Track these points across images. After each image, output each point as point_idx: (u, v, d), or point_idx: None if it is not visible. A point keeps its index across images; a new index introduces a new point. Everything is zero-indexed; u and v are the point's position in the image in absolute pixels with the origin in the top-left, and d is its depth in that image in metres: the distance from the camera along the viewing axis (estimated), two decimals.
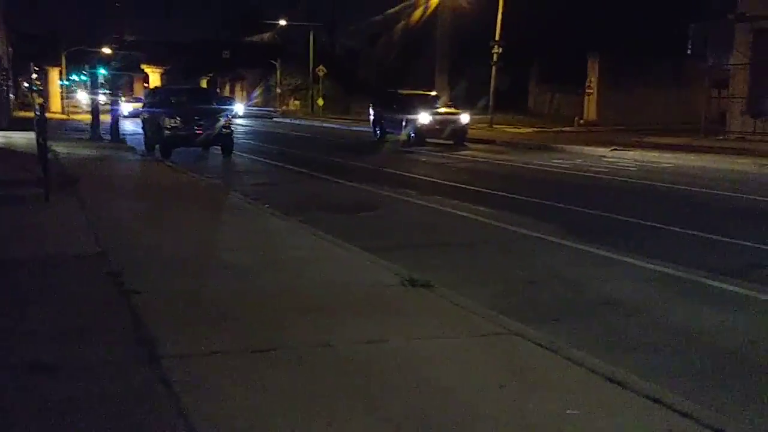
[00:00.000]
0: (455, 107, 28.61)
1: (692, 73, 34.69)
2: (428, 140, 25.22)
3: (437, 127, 25.49)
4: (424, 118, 25.31)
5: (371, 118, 29.41)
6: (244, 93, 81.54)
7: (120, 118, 24.78)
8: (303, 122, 46.32)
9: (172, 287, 5.75)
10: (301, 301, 5.39)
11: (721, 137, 27.18)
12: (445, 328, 4.85)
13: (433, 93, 31.79)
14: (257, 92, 68.39)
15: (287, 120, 49.39)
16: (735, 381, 4.48)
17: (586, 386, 3.94)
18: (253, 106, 48.06)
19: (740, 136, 27.13)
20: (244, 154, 21.34)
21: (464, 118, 26.47)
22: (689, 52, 43.80)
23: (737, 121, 28.12)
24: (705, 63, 30.23)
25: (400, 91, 29.92)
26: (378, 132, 28.41)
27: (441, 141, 25.56)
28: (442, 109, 27.02)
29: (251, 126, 40.39)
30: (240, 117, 45.29)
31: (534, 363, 4.28)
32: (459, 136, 25.81)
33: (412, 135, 25.37)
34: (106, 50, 34.78)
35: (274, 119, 51.38)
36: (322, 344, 4.43)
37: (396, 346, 4.49)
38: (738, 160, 19.50)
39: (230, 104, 26.33)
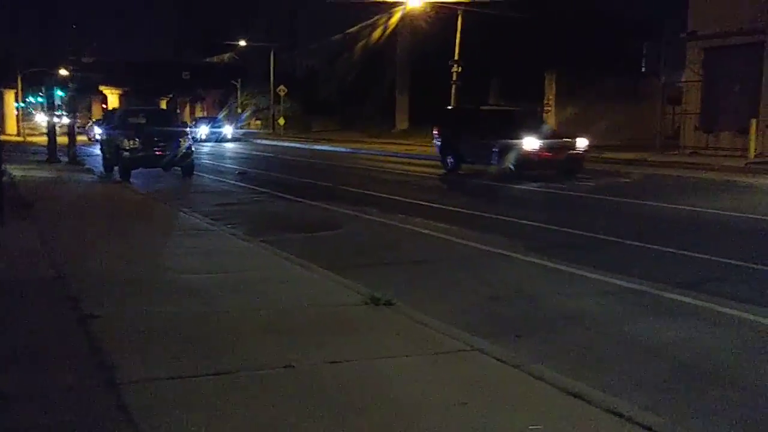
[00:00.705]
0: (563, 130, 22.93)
1: (647, 89, 35.46)
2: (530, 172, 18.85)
3: (548, 154, 19.00)
4: (530, 143, 18.89)
5: (438, 143, 22.62)
6: (205, 113, 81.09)
7: (93, 140, 24.45)
8: (264, 141, 46.18)
9: (131, 311, 5.65)
10: (264, 323, 5.34)
11: (675, 152, 27.78)
12: (409, 347, 4.84)
13: (540, 109, 25.25)
14: (223, 113, 67.41)
15: (250, 140, 49.16)
16: (694, 393, 4.55)
17: (549, 401, 3.96)
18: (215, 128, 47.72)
19: (694, 150, 27.77)
20: (206, 175, 21.16)
21: (581, 142, 20.01)
22: (643, 69, 44.90)
23: (691, 136, 28.78)
24: (659, 80, 30.93)
25: (483, 107, 24.28)
26: (451, 162, 21.40)
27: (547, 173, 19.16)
28: (550, 130, 21.75)
29: (213, 146, 40.13)
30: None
31: (497, 379, 4.30)
32: (574, 166, 19.43)
33: (512, 166, 18.86)
34: (63, 72, 34.32)
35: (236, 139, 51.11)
36: (285, 366, 4.39)
37: (360, 365, 4.47)
38: (692, 173, 19.93)
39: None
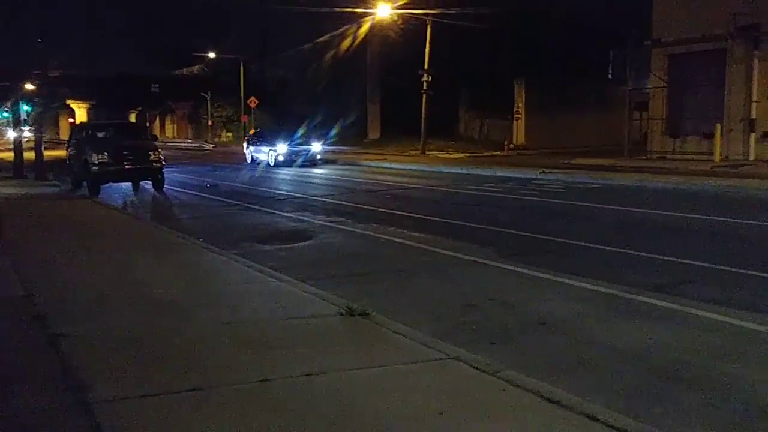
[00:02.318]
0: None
1: (614, 96, 35.95)
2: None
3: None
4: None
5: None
6: (175, 126, 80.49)
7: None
8: (237, 152, 45.85)
9: (103, 328, 5.58)
10: (238, 337, 5.30)
11: (643, 157, 28.15)
12: (385, 357, 4.84)
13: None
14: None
15: (220, 150, 48.89)
16: (668, 395, 4.60)
17: (526, 408, 3.98)
18: (186, 140, 47.26)
19: (661, 155, 28.17)
20: (177, 188, 20.98)
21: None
22: (610, 76, 45.49)
23: (658, 142, 29.21)
24: (625, 87, 31.34)
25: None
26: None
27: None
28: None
29: (182, 159, 39.74)
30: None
31: (473, 387, 4.31)
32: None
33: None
34: (29, 86, 33.78)
35: (206, 151, 50.78)
36: (260, 380, 4.35)
37: (335, 377, 4.45)
38: (660, 177, 20.21)
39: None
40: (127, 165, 19.42)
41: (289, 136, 31.00)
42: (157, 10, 79.22)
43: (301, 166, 29.32)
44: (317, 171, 27.72)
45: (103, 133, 22.24)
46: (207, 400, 4.07)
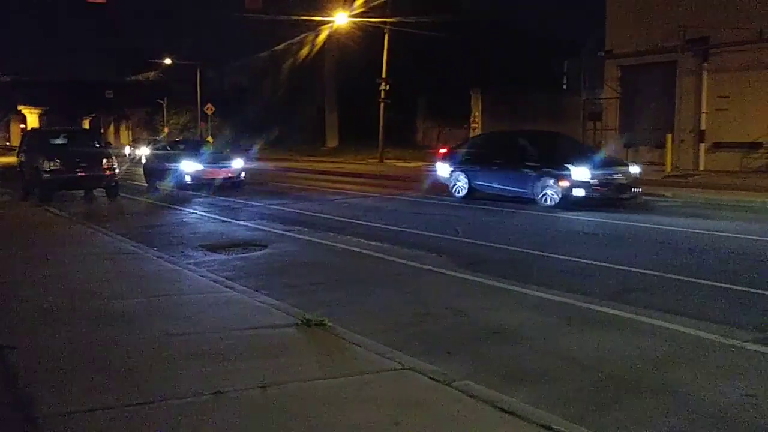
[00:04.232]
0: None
1: (568, 106, 36.51)
2: None
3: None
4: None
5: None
6: (130, 133, 79.28)
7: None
8: None
9: (51, 341, 5.43)
10: (191, 348, 5.21)
11: None
12: (341, 368, 4.81)
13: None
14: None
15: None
16: (620, 404, 4.65)
17: (481, 418, 3.99)
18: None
19: None
20: (131, 196, 20.64)
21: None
22: (565, 86, 46.23)
23: (611, 151, 29.71)
24: (579, 97, 31.89)
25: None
26: None
27: None
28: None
29: (137, 167, 39.17)
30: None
31: (429, 397, 4.30)
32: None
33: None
34: None
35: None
36: (213, 392, 4.28)
37: (291, 389, 4.40)
38: None
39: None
40: (79, 172, 19.06)
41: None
42: (113, 16, 78.02)
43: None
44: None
45: (55, 139, 21.81)
46: (158, 413, 3.99)
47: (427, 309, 7.07)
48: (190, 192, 20.78)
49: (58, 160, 18.86)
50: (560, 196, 15.70)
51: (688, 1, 26.12)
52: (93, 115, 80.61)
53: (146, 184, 23.79)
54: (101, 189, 19.87)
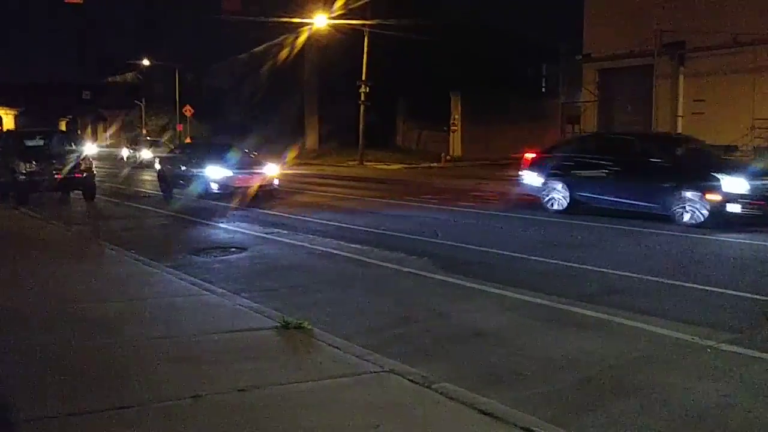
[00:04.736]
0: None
1: (547, 109, 36.76)
2: None
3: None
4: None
5: None
6: (107, 134, 78.60)
7: None
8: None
9: (28, 346, 5.37)
10: (170, 352, 5.19)
11: None
12: (320, 370, 4.81)
13: None
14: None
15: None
16: (600, 405, 4.69)
17: (461, 420, 4.01)
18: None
19: None
20: (109, 198, 20.47)
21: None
22: (544, 90, 46.56)
23: None
24: (558, 100, 32.14)
25: None
26: None
27: None
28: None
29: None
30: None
31: (408, 400, 4.32)
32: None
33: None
34: None
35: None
36: (192, 396, 4.27)
37: (270, 392, 4.40)
38: None
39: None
40: (56, 174, 18.86)
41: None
42: (90, 17, 77.34)
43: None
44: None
45: (32, 141, 21.56)
46: (136, 417, 3.97)
47: (407, 312, 7.05)
48: (213, 202, 17.87)
49: (34, 162, 18.66)
50: (707, 212, 12.73)
51: (664, 6, 26.44)
52: (70, 116, 79.85)
53: (162, 192, 20.70)
54: (79, 191, 19.66)
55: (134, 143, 45.99)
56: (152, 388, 4.44)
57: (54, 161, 19.05)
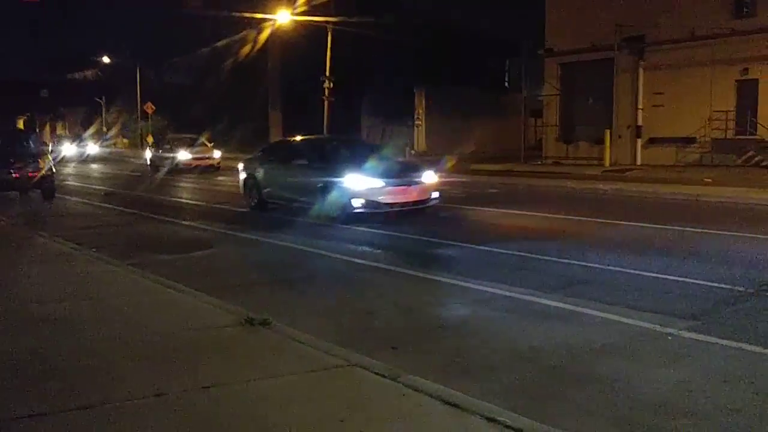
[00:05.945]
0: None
1: (510, 103, 37.10)
2: None
3: None
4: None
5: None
6: (66, 132, 77.30)
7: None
8: (133, 160, 44.51)
9: None
10: (132, 351, 5.11)
11: (539, 162, 29.13)
12: (285, 366, 4.77)
13: None
14: (90, 131, 63.71)
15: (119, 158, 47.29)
16: (564, 394, 4.74)
17: (426, 412, 4.01)
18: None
19: (556, 160, 29.24)
20: (69, 197, 20.11)
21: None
22: (507, 84, 46.90)
23: (552, 147, 30.31)
24: (521, 94, 32.39)
25: None
26: None
27: None
28: None
29: (78, 167, 38.18)
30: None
31: (374, 393, 4.31)
32: None
33: None
34: None
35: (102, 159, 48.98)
36: (156, 394, 4.21)
37: (234, 389, 4.35)
38: (555, 182, 20.94)
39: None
40: (14, 173, 18.47)
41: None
42: (48, 15, 75.95)
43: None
44: (222, 178, 27.14)
45: None
46: (99, 417, 3.90)
47: (372, 305, 7.05)
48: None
49: None
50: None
51: (624, 0, 26.80)
52: (27, 114, 78.32)
53: (248, 209, 15.69)
54: (37, 190, 19.29)
55: (163, 143, 35.39)
56: (114, 386, 4.37)
57: (11, 160, 18.65)
